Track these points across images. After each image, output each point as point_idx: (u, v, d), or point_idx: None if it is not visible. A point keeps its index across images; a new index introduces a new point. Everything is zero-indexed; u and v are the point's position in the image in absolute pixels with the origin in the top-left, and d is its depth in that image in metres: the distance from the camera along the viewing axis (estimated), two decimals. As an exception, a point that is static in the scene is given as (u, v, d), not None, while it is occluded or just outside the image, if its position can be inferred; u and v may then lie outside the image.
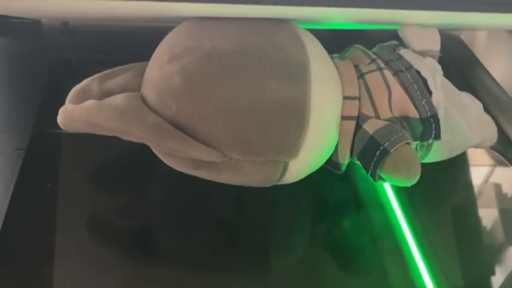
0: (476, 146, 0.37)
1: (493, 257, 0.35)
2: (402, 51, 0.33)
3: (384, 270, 0.32)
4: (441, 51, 0.35)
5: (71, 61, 0.44)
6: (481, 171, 0.41)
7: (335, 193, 0.36)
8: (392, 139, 0.29)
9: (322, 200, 0.36)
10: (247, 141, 0.27)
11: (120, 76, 0.31)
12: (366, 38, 0.44)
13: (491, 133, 0.37)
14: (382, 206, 0.36)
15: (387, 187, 0.37)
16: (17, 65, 0.43)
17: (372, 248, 0.34)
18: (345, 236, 0.34)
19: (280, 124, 0.28)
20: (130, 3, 0.27)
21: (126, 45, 0.45)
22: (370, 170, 0.30)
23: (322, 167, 0.32)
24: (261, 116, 0.27)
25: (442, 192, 0.39)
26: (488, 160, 0.41)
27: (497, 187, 0.40)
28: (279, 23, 0.31)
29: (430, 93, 0.32)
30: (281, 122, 0.28)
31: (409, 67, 0.32)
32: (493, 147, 0.40)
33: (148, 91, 0.29)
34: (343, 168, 0.32)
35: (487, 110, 0.38)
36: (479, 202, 0.39)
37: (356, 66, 0.32)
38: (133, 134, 0.27)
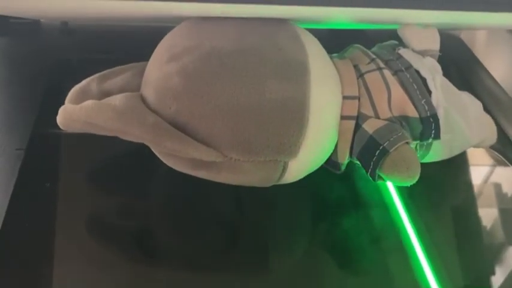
0: (476, 146, 0.37)
1: (494, 256, 0.35)
2: (402, 51, 0.33)
3: (386, 269, 0.32)
4: (441, 50, 0.35)
5: (71, 61, 0.44)
6: (481, 171, 0.41)
7: (335, 193, 0.36)
8: (391, 139, 0.29)
9: (322, 200, 0.36)
10: (247, 140, 0.27)
11: (119, 76, 0.31)
12: (366, 37, 0.44)
13: (491, 133, 0.37)
14: (383, 205, 0.36)
15: (389, 186, 0.37)
16: (17, 65, 0.43)
17: (374, 247, 0.34)
18: (347, 236, 0.34)
19: (279, 124, 0.28)
20: (131, 3, 0.27)
21: (125, 45, 0.45)
22: (369, 170, 0.30)
23: (321, 167, 0.32)
24: (260, 115, 0.27)
25: (442, 191, 0.39)
26: (488, 160, 0.41)
27: (497, 187, 0.40)
28: (279, 23, 0.31)
29: (430, 92, 0.31)
30: (281, 121, 0.28)
31: (409, 67, 0.32)
32: (493, 147, 0.40)
33: (148, 91, 0.29)
34: (343, 168, 0.32)
35: (486, 109, 0.38)
36: (479, 202, 0.39)
37: (355, 66, 0.32)
38: (132, 134, 0.27)
